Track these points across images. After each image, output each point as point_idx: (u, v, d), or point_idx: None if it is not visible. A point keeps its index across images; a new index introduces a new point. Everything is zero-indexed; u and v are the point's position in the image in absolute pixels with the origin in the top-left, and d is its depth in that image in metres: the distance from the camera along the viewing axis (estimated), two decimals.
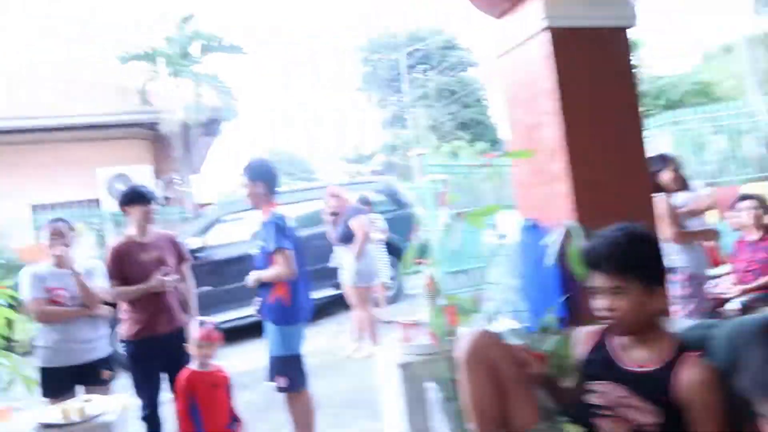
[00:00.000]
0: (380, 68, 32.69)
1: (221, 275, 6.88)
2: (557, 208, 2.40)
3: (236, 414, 3.03)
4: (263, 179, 3.41)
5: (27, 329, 7.68)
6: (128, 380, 3.54)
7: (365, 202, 6.71)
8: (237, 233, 7.78)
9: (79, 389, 3.31)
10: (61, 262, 3.20)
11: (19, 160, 10.67)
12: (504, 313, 2.28)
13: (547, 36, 2.33)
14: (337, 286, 7.98)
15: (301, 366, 3.45)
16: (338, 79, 73.33)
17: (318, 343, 6.48)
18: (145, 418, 3.46)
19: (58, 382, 3.24)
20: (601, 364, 1.73)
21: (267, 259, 3.34)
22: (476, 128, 28.74)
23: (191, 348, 2.94)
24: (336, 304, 8.44)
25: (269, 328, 3.40)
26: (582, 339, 1.84)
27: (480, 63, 31.44)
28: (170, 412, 3.50)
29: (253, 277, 3.38)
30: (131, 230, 3.54)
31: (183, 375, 2.93)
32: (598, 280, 1.65)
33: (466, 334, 1.87)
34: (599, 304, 1.66)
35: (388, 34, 32.53)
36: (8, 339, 4.10)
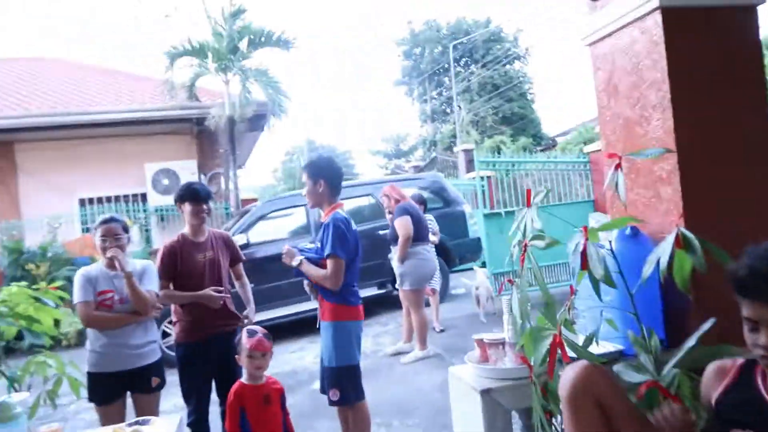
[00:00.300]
0: (422, 62, 32.32)
1: (264, 273, 6.72)
2: (662, 214, 2.08)
3: (291, 430, 2.82)
4: (325, 178, 3.21)
5: (74, 322, 7.75)
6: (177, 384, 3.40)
7: (419, 200, 6.43)
8: (280, 231, 7.66)
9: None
10: (113, 264, 3.05)
11: (68, 155, 10.81)
12: (598, 332, 1.98)
13: (657, 17, 2.02)
14: (381, 285, 7.78)
15: (356, 378, 3.24)
16: (376, 73, 73.34)
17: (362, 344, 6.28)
18: (191, 425, 3.32)
19: (105, 388, 3.10)
20: (746, 407, 1.42)
21: (318, 261, 3.16)
22: (519, 123, 28.10)
23: (242, 359, 2.74)
24: (380, 304, 8.23)
25: (323, 334, 3.21)
26: (714, 375, 1.54)
27: (526, 56, 30.77)
28: (218, 419, 3.36)
29: (296, 260, 3.16)
30: (186, 228, 3.41)
31: (233, 389, 2.72)
32: (758, 310, 1.34)
33: (571, 367, 1.59)
34: (760, 340, 1.35)
35: (431, 27, 32.13)
36: (54, 338, 4.02)
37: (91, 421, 3.14)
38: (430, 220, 6.66)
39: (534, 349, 1.74)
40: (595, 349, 2.01)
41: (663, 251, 1.83)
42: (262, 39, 10.99)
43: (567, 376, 1.57)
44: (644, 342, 1.70)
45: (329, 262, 3.06)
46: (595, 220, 2.30)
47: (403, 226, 5.52)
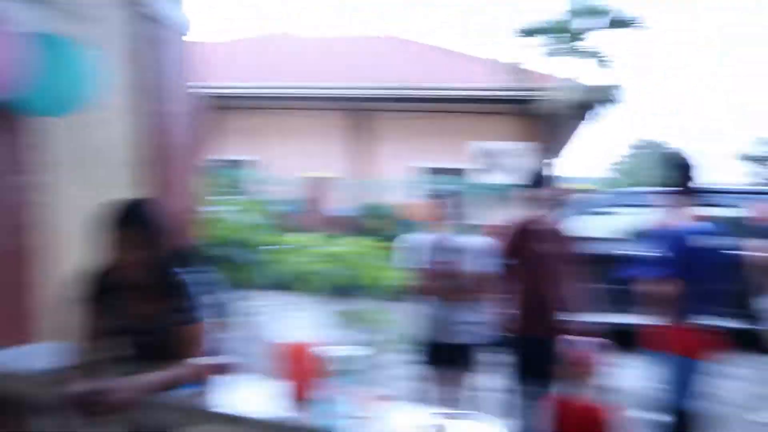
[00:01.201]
0: None
1: (587, 272, 6.13)
2: None
3: None
4: (677, 176, 2.94)
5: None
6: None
7: None
8: (613, 229, 6.92)
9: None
10: (449, 238, 3.09)
11: (402, 126, 11.91)
12: None
13: None
14: (749, 317, 6.28)
15: (682, 425, 2.76)
16: (754, 64, 62.09)
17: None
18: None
19: (428, 355, 3.19)
20: None
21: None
22: None
23: (565, 370, 2.43)
24: (752, 343, 6.71)
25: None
26: None
27: None
28: None
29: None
30: (528, 214, 3.25)
31: (552, 401, 2.44)
32: None
33: None
34: None
35: None
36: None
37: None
38: None
39: None
40: None
41: None
42: (608, 20, 10.06)
43: None
44: None
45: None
46: None
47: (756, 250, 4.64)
